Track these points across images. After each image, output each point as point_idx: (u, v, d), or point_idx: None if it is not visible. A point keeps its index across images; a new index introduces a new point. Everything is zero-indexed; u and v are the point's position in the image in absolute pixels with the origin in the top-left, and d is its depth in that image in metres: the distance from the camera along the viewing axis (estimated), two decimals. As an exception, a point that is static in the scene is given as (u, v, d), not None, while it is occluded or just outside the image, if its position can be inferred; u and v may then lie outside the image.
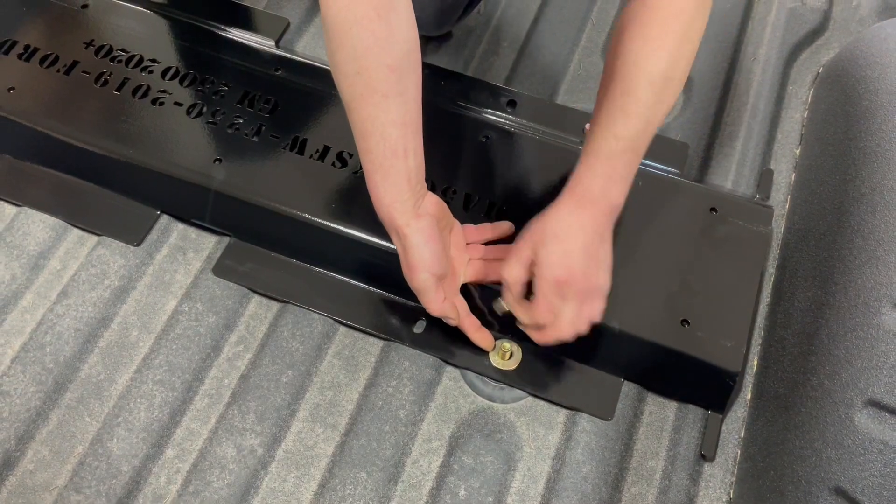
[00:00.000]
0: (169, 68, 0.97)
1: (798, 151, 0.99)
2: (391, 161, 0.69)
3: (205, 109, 0.94)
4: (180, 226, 0.92)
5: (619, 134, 0.69)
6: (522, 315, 0.75)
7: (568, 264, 0.71)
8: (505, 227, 0.85)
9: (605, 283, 0.74)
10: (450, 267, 0.79)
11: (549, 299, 0.72)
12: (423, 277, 0.74)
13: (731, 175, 0.98)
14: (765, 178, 0.95)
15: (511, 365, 0.83)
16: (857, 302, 0.69)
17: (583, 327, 0.74)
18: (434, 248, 0.73)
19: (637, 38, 0.68)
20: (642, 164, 0.92)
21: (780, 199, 0.96)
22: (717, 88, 1.04)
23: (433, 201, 0.75)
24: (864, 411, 0.64)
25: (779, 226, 0.94)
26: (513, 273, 0.74)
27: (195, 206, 0.90)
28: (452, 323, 0.79)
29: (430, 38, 1.07)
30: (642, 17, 0.68)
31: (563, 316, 0.72)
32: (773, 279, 0.90)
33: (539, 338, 0.75)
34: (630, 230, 0.86)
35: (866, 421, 0.64)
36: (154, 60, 0.98)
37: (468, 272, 0.82)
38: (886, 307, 0.66)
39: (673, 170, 0.94)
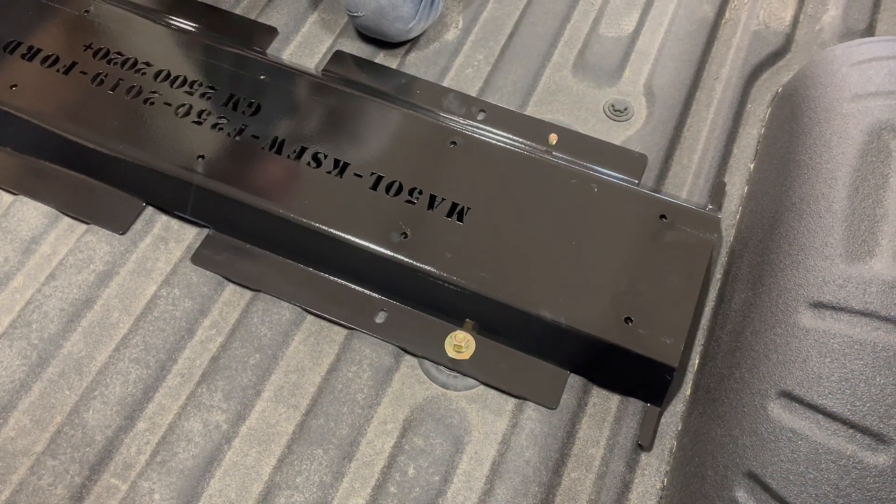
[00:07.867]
0: (161, 71, 1.04)
1: (752, 166, 1.04)
2: None
3: (192, 110, 1.00)
4: (164, 217, 0.98)
5: None
6: None
7: None
8: None
9: None
10: None
11: None
12: None
13: (687, 186, 1.03)
14: (717, 190, 1.00)
15: (465, 355, 0.88)
16: (779, 302, 0.74)
17: None
18: None
19: None
20: (601, 172, 0.99)
21: (733, 209, 1.01)
22: (678, 104, 1.10)
23: None
24: (776, 402, 0.69)
25: (730, 235, 0.99)
26: None
27: (178, 198, 0.96)
28: None
29: (411, 50, 1.14)
30: None
31: None
32: (719, 284, 0.94)
33: None
34: (582, 234, 0.91)
35: (778, 410, 0.69)
36: (148, 63, 1.05)
37: None
38: (803, 306, 0.71)
39: (631, 179, 1.00)
